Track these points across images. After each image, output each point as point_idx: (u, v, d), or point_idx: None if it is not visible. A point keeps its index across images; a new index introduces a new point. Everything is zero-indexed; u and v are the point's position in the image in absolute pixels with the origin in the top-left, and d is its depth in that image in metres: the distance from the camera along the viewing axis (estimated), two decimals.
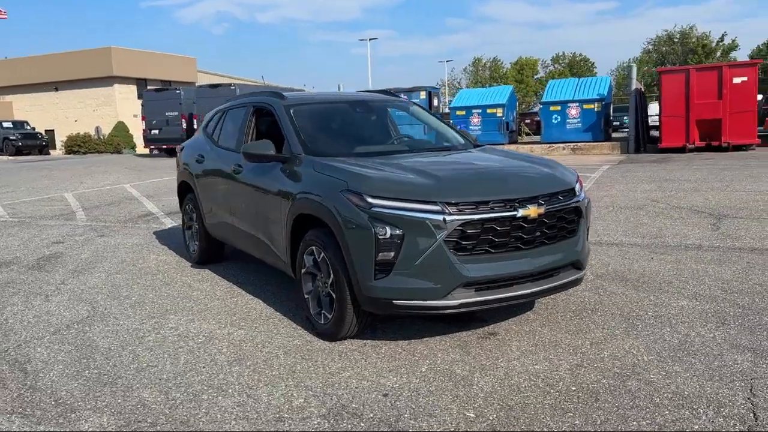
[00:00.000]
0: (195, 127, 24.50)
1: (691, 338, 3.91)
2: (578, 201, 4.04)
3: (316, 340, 4.10)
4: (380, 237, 3.55)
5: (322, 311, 4.08)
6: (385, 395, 3.29)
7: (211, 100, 23.67)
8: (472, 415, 3.04)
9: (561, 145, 20.35)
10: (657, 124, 21.74)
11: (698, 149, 18.01)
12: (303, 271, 4.26)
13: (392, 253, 3.57)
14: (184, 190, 6.65)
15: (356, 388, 3.39)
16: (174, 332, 4.40)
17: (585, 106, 20.53)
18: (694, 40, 67.22)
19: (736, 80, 17.55)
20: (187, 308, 4.96)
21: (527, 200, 3.74)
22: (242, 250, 5.59)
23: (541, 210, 3.75)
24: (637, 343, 3.87)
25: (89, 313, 4.91)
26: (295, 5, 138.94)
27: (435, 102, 23.93)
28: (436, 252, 3.54)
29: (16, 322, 4.78)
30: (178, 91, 26.27)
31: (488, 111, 21.84)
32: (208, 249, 6.23)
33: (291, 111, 4.97)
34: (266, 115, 5.40)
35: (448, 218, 3.54)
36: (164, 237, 8.09)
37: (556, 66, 78.61)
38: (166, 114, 26.10)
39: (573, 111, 20.62)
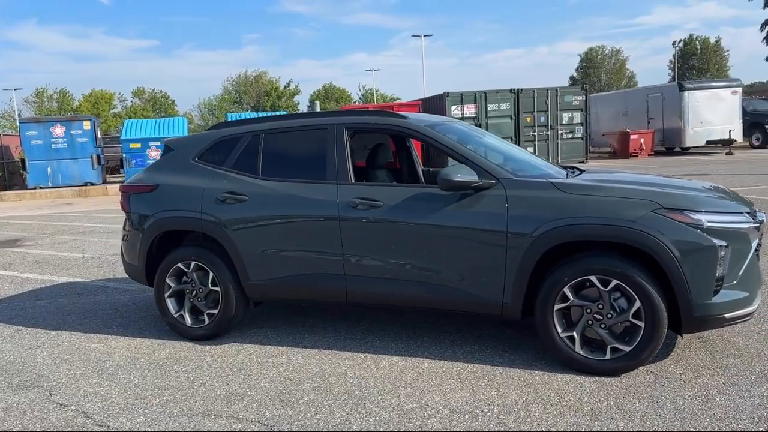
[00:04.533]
0: None
1: None
2: None
3: (604, 380, 3.75)
4: (719, 252, 3.60)
5: (609, 346, 3.78)
6: None
7: None
8: None
9: None
10: None
11: None
12: (557, 308, 3.85)
13: (722, 267, 3.64)
14: (167, 245, 4.89)
15: (756, 418, 3.33)
16: (444, 409, 3.44)
17: None
18: (266, 83, 73.39)
19: None
20: (384, 389, 3.84)
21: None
22: (369, 302, 4.49)
23: None
24: None
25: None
26: None
27: (98, 133, 21.06)
28: (752, 260, 3.77)
29: None
30: None
31: None
32: (235, 315, 4.75)
33: (441, 132, 4.37)
34: (371, 138, 4.53)
35: (759, 226, 3.80)
36: (35, 319, 5.64)
37: (135, 101, 76.41)
38: None
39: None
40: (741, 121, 24.65)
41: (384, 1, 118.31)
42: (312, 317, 5.22)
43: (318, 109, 21.65)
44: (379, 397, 3.66)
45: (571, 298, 3.82)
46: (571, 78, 77.43)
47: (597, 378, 3.78)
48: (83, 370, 4.32)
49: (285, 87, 72.45)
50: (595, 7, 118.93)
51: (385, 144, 5.38)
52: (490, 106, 21.82)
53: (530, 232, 3.84)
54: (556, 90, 22.60)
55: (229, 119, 21.86)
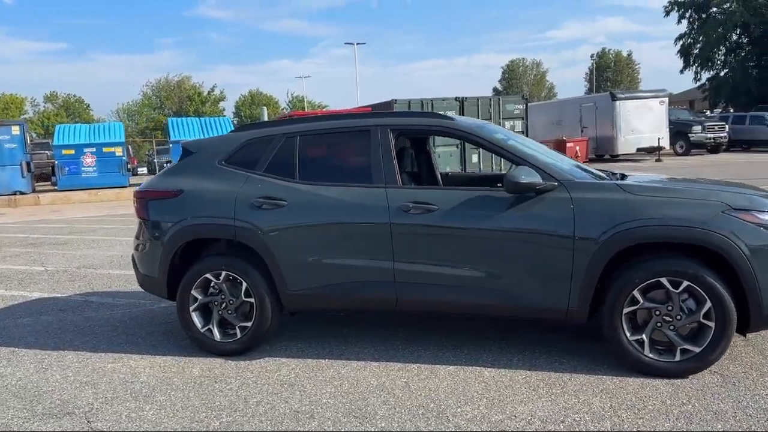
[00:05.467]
0: None
1: None
2: None
3: (674, 382, 3.73)
4: None
5: (679, 347, 3.77)
6: None
7: None
8: None
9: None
10: None
11: None
12: (626, 311, 3.82)
13: None
14: (188, 255, 4.56)
15: None
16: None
17: (104, 150, 19.64)
18: (189, 88, 71.31)
19: None
20: (460, 401, 3.67)
21: None
22: (420, 310, 4.31)
23: None
24: None
25: None
26: None
27: (28, 139, 19.76)
28: None
29: None
30: None
31: (105, 150, 19.29)
32: (270, 328, 4.47)
33: (492, 132, 4.31)
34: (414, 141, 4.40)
35: None
36: (26, 338, 5.13)
37: (48, 106, 72.59)
38: None
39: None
40: (668, 129, 25.96)
41: (306, 8, 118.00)
42: (346, 327, 4.99)
43: (266, 117, 21.04)
44: (458, 409, 3.50)
45: (641, 301, 3.79)
46: (495, 89, 79.54)
47: (666, 380, 3.76)
48: (113, 393, 3.93)
49: (209, 92, 70.70)
50: (509, 21, 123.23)
51: (407, 147, 5.24)
52: None
53: (600, 234, 3.78)
54: (499, 99, 23.07)
55: (171, 124, 21.09)
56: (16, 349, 4.90)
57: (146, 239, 4.67)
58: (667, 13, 44.01)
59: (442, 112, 4.64)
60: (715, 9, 41.89)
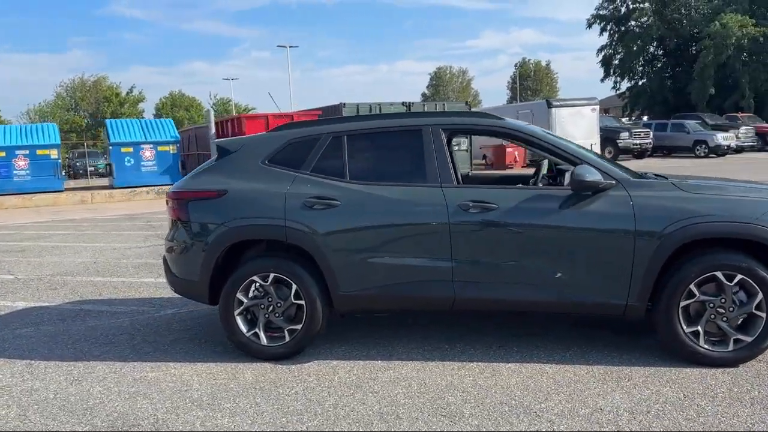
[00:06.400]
0: None
1: None
2: None
3: (728, 371, 3.93)
4: None
5: (732, 338, 3.96)
6: None
7: None
8: None
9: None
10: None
11: None
12: (683, 305, 3.98)
13: None
14: (230, 257, 4.41)
15: None
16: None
17: (38, 152, 18.67)
18: (106, 89, 68.40)
19: None
20: (539, 397, 3.71)
21: None
22: (478, 308, 4.34)
23: None
24: None
25: None
26: None
27: None
28: None
29: None
30: None
31: (39, 152, 18.24)
32: (320, 330, 4.37)
33: (538, 131, 4.42)
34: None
35: None
36: (38, 349, 4.79)
37: None
38: None
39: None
40: (599, 135, 27.14)
41: (225, 10, 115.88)
42: (385, 327, 4.93)
43: (212, 120, 20.44)
44: (542, 405, 3.54)
45: (696, 294, 3.95)
46: (423, 95, 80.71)
47: (721, 369, 3.93)
48: (171, 403, 3.74)
49: (128, 93, 67.96)
50: (430, 29, 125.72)
51: None
52: None
53: (660, 230, 3.93)
54: (443, 104, 23.44)
55: (109, 126, 20.18)
56: (32, 361, 4.57)
57: (184, 241, 4.47)
58: (590, 26, 46.12)
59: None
60: (633, 23, 44.21)
